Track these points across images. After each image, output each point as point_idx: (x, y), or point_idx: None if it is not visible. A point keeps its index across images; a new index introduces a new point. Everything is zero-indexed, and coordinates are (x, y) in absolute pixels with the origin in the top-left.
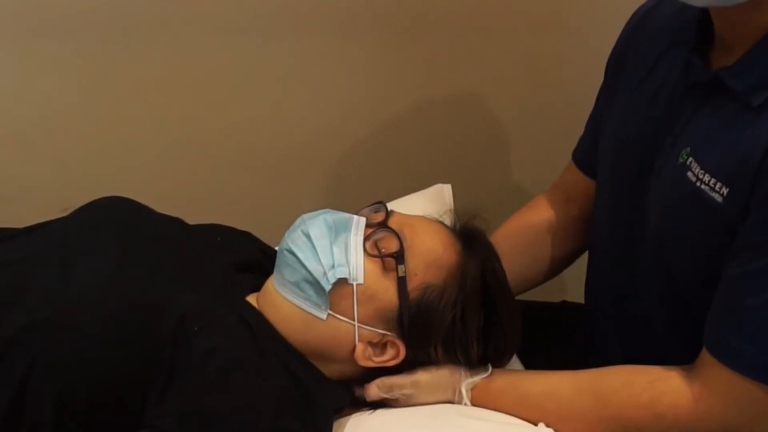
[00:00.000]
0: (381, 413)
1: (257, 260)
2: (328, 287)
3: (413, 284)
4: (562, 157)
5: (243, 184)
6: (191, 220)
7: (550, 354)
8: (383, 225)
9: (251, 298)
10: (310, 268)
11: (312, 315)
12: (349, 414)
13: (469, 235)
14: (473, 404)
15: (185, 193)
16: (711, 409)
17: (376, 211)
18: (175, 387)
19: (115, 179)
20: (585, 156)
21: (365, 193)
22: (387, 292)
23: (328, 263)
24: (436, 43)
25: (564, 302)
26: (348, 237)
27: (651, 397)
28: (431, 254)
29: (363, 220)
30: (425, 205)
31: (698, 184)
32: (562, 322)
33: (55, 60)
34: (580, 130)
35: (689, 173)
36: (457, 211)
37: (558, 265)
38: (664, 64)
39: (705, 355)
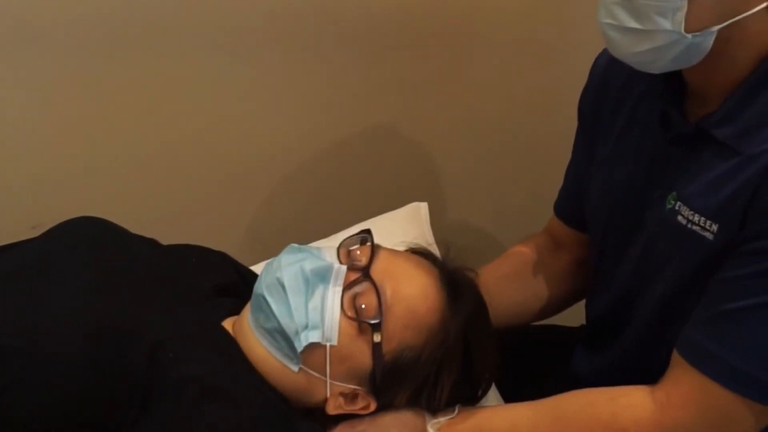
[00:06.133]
0: None
1: (233, 282)
2: (300, 348)
3: (390, 347)
4: (539, 176)
5: (216, 203)
6: (164, 240)
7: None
8: (365, 274)
9: (227, 323)
10: (283, 323)
11: (284, 365)
12: None
13: (456, 285)
14: None
15: (157, 212)
16: (675, 419)
17: (362, 243)
18: (150, 416)
19: (85, 197)
20: (567, 208)
21: (342, 211)
22: (361, 353)
23: (301, 323)
24: (409, 60)
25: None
26: (326, 291)
27: (612, 413)
28: (411, 315)
29: (343, 269)
30: (402, 224)
31: (689, 225)
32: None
33: (24, 76)
34: (560, 151)
35: (679, 217)
36: (445, 249)
37: (555, 305)
38: (641, 115)
39: (675, 359)
